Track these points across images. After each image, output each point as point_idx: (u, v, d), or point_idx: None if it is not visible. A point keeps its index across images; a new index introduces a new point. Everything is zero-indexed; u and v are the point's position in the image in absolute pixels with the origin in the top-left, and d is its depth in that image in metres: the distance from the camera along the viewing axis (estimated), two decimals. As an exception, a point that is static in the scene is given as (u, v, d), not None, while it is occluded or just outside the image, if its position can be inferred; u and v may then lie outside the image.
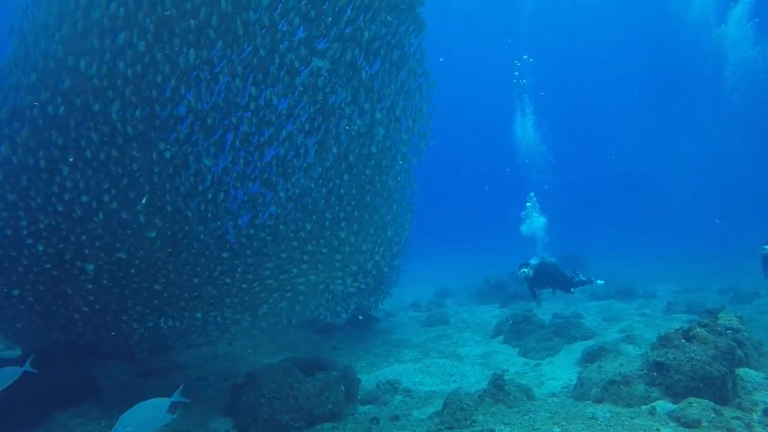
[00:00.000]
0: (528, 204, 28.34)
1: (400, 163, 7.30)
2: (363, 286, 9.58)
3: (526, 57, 39.29)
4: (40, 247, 5.61)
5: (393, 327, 13.11)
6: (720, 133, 46.90)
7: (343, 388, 6.50)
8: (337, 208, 6.59)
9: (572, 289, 10.98)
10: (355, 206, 6.85)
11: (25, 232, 5.58)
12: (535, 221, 29.59)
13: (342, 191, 6.54)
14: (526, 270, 10.67)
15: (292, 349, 10.04)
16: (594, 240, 38.96)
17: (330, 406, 6.13)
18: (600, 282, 11.63)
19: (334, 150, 6.21)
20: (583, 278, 11.12)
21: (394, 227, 8.57)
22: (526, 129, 36.39)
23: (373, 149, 6.57)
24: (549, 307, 13.79)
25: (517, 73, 39.29)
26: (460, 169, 67.14)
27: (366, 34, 5.88)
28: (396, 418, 6.47)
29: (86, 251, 5.74)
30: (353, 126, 6.13)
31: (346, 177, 6.48)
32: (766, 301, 13.31)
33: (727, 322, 7.19)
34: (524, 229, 29.41)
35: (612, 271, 19.63)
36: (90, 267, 5.70)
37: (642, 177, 62.03)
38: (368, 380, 8.11)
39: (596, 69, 55.87)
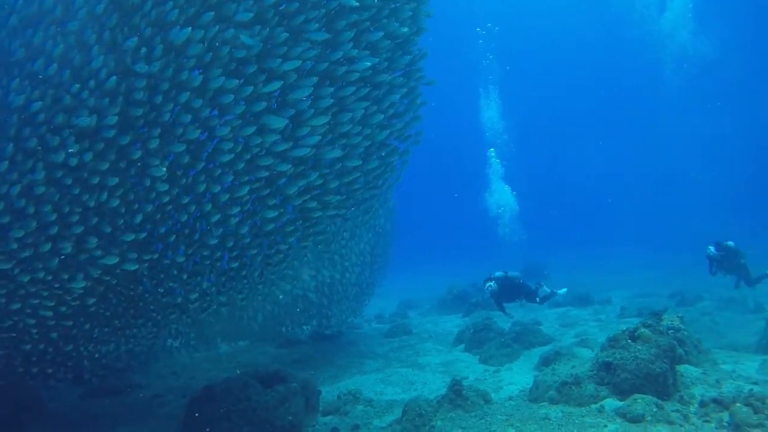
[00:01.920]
0: (490, 152, 28.00)
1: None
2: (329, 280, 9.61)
3: (490, 25, 38.75)
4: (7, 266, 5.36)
5: (356, 339, 13.20)
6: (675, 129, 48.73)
7: (303, 399, 6.59)
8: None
9: (537, 299, 11.27)
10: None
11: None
12: (499, 192, 29.66)
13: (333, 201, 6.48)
14: (491, 284, 10.89)
15: (254, 364, 10.04)
16: (553, 246, 39.62)
17: (290, 418, 6.19)
18: (563, 291, 11.99)
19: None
20: (548, 290, 11.43)
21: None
22: (490, 107, 36.00)
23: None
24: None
25: (481, 41, 38.88)
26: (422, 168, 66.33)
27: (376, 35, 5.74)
28: (356, 427, 6.59)
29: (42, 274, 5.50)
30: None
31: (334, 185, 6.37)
32: (708, 304, 13.98)
33: (669, 322, 7.56)
34: (493, 206, 29.39)
35: (571, 279, 20.14)
36: (80, 285, 5.41)
37: (599, 180, 63.51)
38: (330, 392, 8.19)
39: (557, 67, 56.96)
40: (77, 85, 4.78)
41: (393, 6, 5.88)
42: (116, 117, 4.80)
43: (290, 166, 5.59)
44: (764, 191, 48.14)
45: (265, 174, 5.55)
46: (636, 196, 54.76)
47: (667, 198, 50.20)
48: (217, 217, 5.62)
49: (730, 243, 11.98)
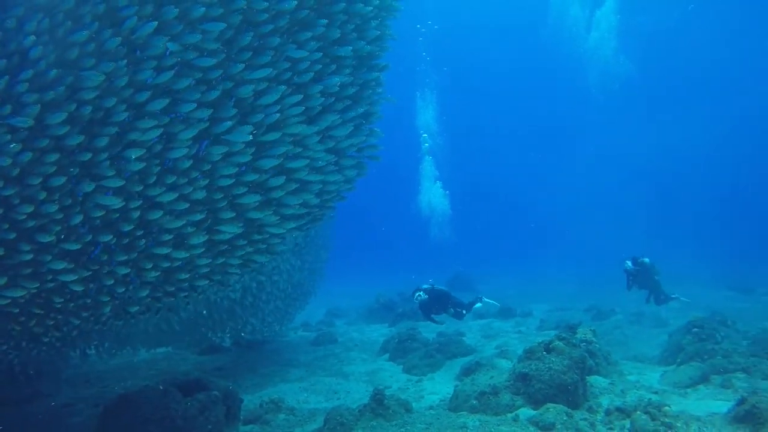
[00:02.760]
0: (423, 138, 27.81)
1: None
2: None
3: (430, 23, 37.90)
4: None
5: (281, 347, 13.07)
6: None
7: (224, 408, 6.47)
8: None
9: (463, 312, 11.59)
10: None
11: None
12: (431, 192, 29.58)
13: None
14: (421, 293, 11.12)
15: (174, 372, 9.77)
16: (483, 256, 40.49)
17: (210, 427, 6.07)
18: (496, 305, 12.41)
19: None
20: (475, 302, 11.81)
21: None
22: (427, 109, 35.60)
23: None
24: (434, 326, 14.38)
25: (421, 38, 38.60)
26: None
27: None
28: (277, 436, 6.56)
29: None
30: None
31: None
32: (621, 317, 14.78)
33: (582, 335, 8.00)
34: (424, 204, 29.34)
35: (496, 292, 20.79)
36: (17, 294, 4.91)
37: (531, 191, 65.34)
38: (252, 400, 8.09)
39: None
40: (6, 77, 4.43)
41: (358, 23, 5.90)
42: (64, 114, 4.46)
43: (256, 176, 5.43)
44: (682, 207, 51.50)
45: (228, 182, 5.32)
46: (565, 208, 56.67)
47: (591, 211, 52.27)
48: (177, 224, 5.30)
49: (646, 259, 12.66)
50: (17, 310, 5.12)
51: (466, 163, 53.87)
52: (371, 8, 5.90)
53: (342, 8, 5.57)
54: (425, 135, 30.75)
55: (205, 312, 9.85)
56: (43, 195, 4.63)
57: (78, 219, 4.82)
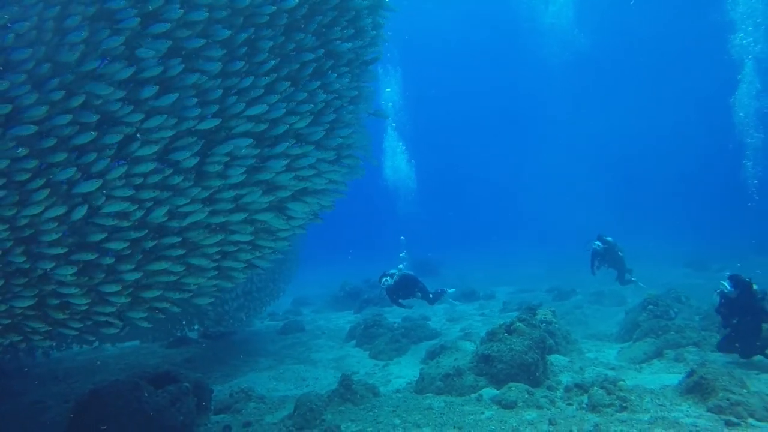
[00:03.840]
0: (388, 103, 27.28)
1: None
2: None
3: None
4: None
5: (249, 337, 13.08)
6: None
7: (195, 399, 6.50)
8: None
9: (431, 294, 11.77)
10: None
11: None
12: (393, 159, 29.05)
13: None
14: (388, 279, 11.22)
15: (143, 366, 9.69)
16: (451, 241, 40.68)
17: (181, 418, 6.10)
18: (452, 290, 12.64)
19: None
20: (439, 291, 12.02)
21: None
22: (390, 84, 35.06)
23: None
24: (400, 311, 14.59)
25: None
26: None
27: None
28: (248, 424, 6.62)
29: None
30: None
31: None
32: (580, 298, 15.29)
33: (543, 316, 8.28)
34: (388, 173, 28.82)
35: (461, 275, 21.07)
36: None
37: (500, 173, 65.45)
38: (222, 390, 8.13)
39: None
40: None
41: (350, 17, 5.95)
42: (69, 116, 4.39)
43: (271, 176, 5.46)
44: (643, 186, 52.47)
45: (241, 178, 5.32)
46: (530, 189, 56.76)
47: (556, 192, 52.55)
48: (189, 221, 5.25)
49: (609, 238, 12.95)
50: (8, 321, 5.01)
51: (430, 142, 53.67)
52: (367, 3, 6.01)
53: (335, 3, 5.65)
54: (388, 90, 30.20)
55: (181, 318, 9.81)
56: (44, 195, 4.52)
57: (81, 213, 4.71)
